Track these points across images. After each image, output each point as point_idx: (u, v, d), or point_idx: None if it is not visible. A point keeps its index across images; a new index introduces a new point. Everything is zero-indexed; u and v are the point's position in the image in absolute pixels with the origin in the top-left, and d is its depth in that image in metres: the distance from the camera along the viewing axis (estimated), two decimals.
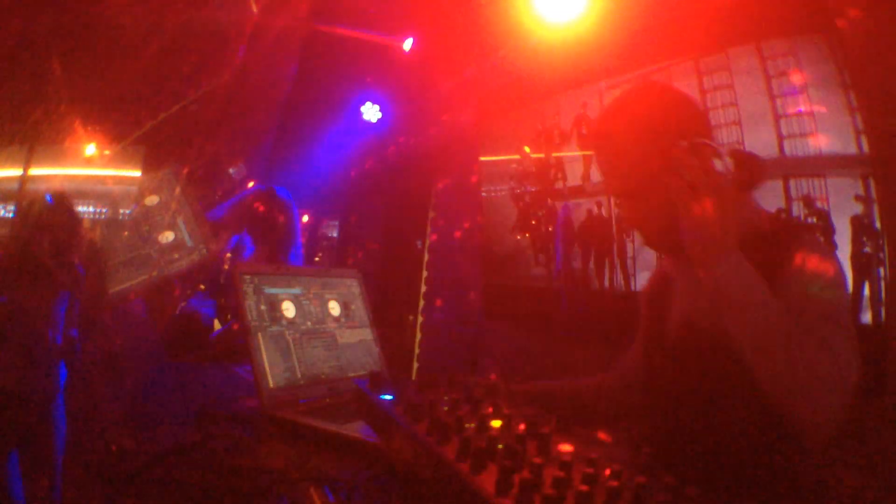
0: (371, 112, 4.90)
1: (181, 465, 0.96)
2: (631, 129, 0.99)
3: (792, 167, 1.69)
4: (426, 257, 4.27)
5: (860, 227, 1.41)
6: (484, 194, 3.48)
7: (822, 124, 1.56)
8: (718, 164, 0.90)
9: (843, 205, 1.46)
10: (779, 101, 1.72)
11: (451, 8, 3.21)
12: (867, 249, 1.40)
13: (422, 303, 4.25)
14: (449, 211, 4.04)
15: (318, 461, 0.98)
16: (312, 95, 4.61)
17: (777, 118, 1.72)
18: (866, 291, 1.41)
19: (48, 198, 1.93)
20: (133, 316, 1.66)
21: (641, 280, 2.59)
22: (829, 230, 1.57)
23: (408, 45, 3.73)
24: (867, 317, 1.50)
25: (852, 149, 1.42)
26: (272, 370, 1.25)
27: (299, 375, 1.29)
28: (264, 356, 1.25)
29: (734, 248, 0.84)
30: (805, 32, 1.65)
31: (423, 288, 4.23)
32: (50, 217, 1.95)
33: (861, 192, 1.39)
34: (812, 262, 0.87)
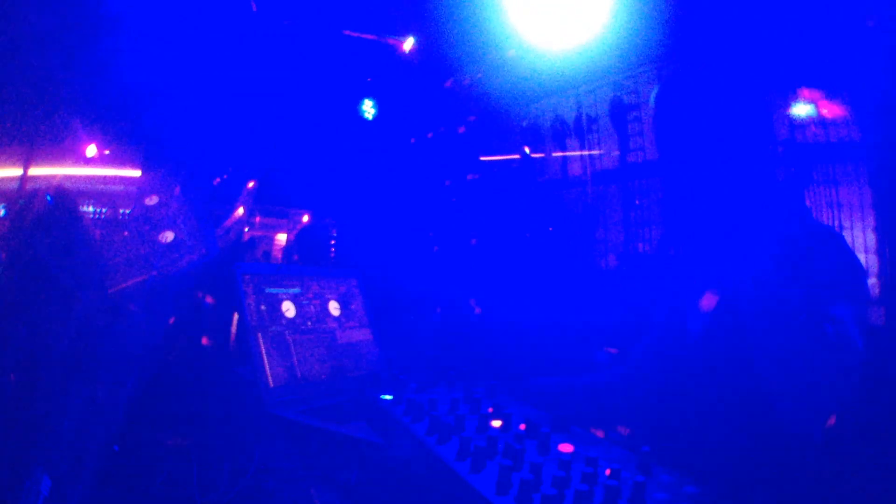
0: (371, 112, 4.91)
1: (181, 465, 0.96)
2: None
3: None
4: (426, 257, 4.27)
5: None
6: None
7: None
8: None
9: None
10: None
11: (451, 8, 3.21)
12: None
13: (422, 303, 4.25)
14: (449, 211, 4.03)
15: (318, 461, 0.98)
16: (312, 95, 4.61)
17: None
18: None
19: (48, 198, 1.93)
20: (133, 316, 1.66)
21: None
22: None
23: (408, 45, 3.73)
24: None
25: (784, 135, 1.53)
26: (272, 370, 1.25)
27: (299, 375, 1.29)
28: (264, 356, 1.25)
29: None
30: None
31: (423, 288, 4.23)
32: (50, 217, 1.94)
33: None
34: (833, 263, 0.89)
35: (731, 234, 0.90)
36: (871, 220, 1.52)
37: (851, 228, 1.53)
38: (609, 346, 1.21)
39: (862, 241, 1.53)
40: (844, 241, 0.94)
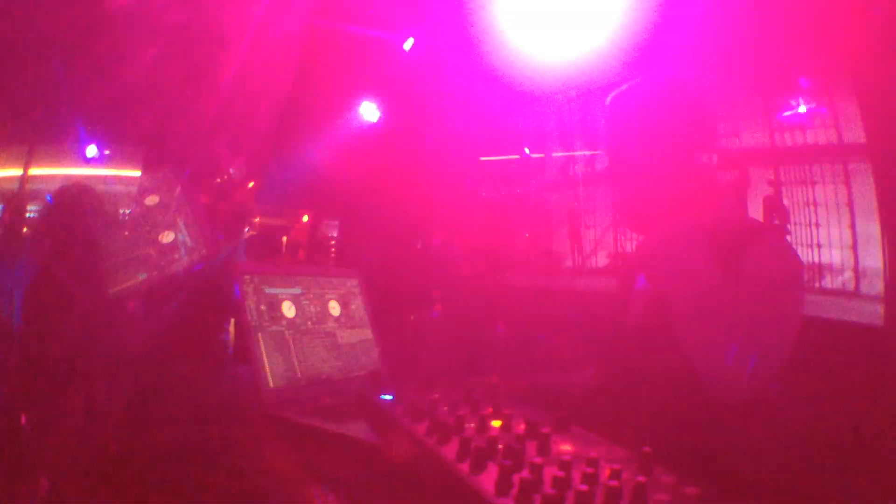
0: (371, 112, 4.90)
1: (181, 465, 0.96)
2: (651, 128, 1.06)
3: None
4: (426, 257, 4.27)
5: (771, 204, 1.74)
6: (484, 194, 3.47)
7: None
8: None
9: (757, 187, 1.79)
10: None
11: (451, 8, 3.21)
12: (777, 222, 1.71)
13: (422, 303, 4.25)
14: (449, 210, 4.04)
15: (318, 461, 0.98)
16: (312, 95, 4.61)
17: None
18: None
19: (48, 198, 1.93)
20: (133, 316, 1.66)
21: None
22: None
23: (408, 45, 3.73)
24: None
25: (765, 141, 1.74)
26: (272, 370, 1.25)
27: (299, 375, 1.29)
28: (264, 356, 1.25)
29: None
30: None
31: (424, 288, 4.23)
32: (50, 217, 1.94)
33: (772, 177, 1.74)
34: (766, 259, 0.94)
35: (666, 232, 0.98)
36: (847, 218, 1.60)
37: (828, 225, 1.65)
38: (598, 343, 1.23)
39: (838, 237, 1.62)
40: (781, 235, 1.00)
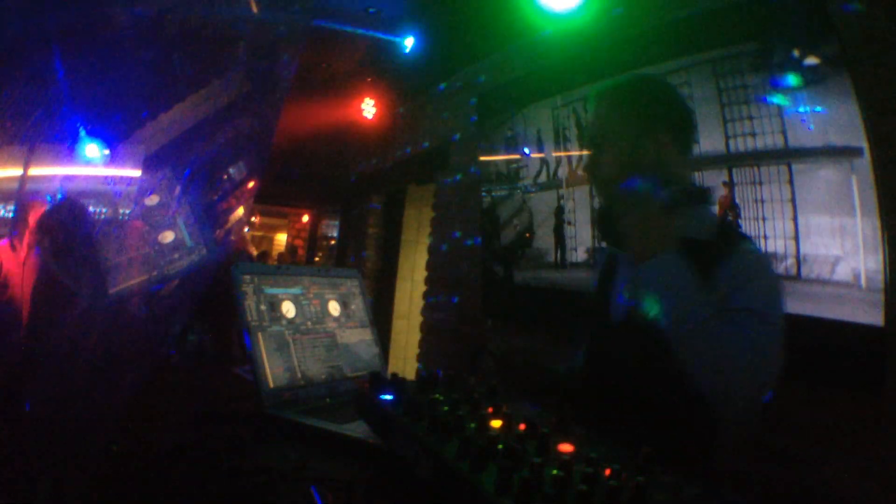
0: (371, 111, 4.91)
1: (181, 465, 0.96)
2: (626, 119, 1.07)
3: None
4: (426, 257, 4.27)
5: (724, 203, 1.99)
6: (484, 194, 3.47)
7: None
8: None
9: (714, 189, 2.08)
10: None
11: (451, 8, 3.21)
12: (730, 218, 1.93)
13: (422, 303, 4.25)
14: (449, 210, 4.04)
15: (318, 461, 0.98)
16: (312, 94, 4.62)
17: None
18: None
19: (48, 198, 1.93)
20: (133, 316, 1.66)
21: None
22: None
23: (408, 44, 3.73)
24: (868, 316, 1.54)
25: (721, 147, 2.00)
26: (272, 370, 1.25)
27: (299, 375, 1.29)
28: (264, 356, 1.25)
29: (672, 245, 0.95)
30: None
31: (424, 288, 4.23)
32: (50, 217, 1.95)
33: (726, 179, 1.99)
34: (744, 265, 0.96)
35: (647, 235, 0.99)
36: (790, 212, 1.78)
37: (773, 219, 1.84)
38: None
39: (782, 229, 1.81)
40: (752, 243, 1.03)
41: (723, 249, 0.97)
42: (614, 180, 1.04)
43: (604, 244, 1.28)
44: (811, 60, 1.73)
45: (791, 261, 1.78)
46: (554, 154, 2.99)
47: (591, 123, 1.15)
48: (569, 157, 2.92)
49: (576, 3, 2.56)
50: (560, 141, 2.95)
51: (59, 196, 1.95)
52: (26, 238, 2.00)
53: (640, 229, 1.00)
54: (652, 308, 0.92)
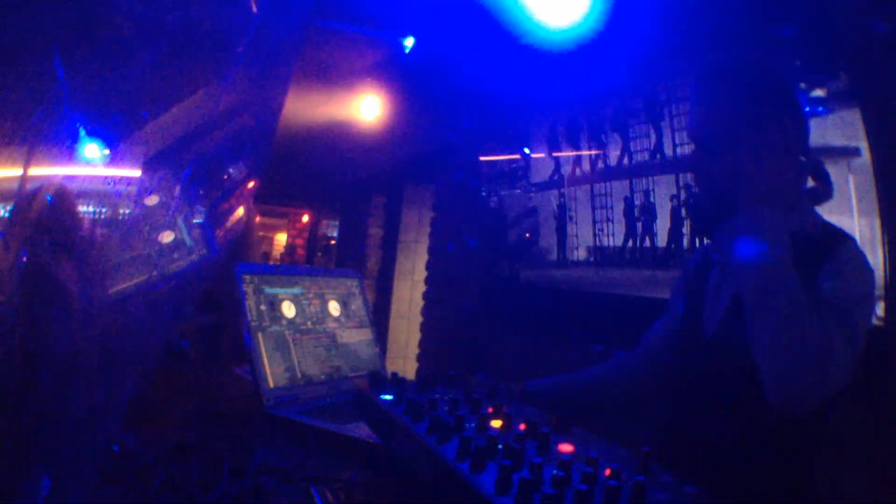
0: (371, 111, 4.91)
1: (181, 465, 0.96)
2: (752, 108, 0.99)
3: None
4: (426, 257, 4.27)
5: (677, 210, 2.17)
6: (483, 194, 3.47)
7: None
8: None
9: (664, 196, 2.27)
10: None
11: (451, 8, 3.21)
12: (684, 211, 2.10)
13: (422, 303, 4.25)
14: (449, 210, 4.04)
15: (318, 461, 0.98)
16: (312, 94, 4.61)
17: None
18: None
19: (48, 198, 1.93)
20: (133, 316, 1.65)
21: None
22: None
23: (408, 44, 3.73)
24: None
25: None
26: (272, 370, 1.25)
27: (299, 375, 1.29)
28: (264, 356, 1.25)
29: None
30: None
31: (424, 288, 4.23)
32: (50, 217, 1.94)
33: (674, 191, 2.16)
34: (843, 265, 0.93)
35: (749, 233, 0.92)
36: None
37: None
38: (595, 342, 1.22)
39: None
40: (856, 244, 0.98)
41: (828, 244, 0.95)
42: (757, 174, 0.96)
43: (696, 245, 1.22)
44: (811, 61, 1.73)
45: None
46: (554, 154, 3.00)
47: (704, 112, 1.04)
48: (569, 157, 2.92)
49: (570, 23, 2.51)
50: (560, 141, 2.96)
51: (56, 193, 1.94)
52: (23, 236, 2.00)
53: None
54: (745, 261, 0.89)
